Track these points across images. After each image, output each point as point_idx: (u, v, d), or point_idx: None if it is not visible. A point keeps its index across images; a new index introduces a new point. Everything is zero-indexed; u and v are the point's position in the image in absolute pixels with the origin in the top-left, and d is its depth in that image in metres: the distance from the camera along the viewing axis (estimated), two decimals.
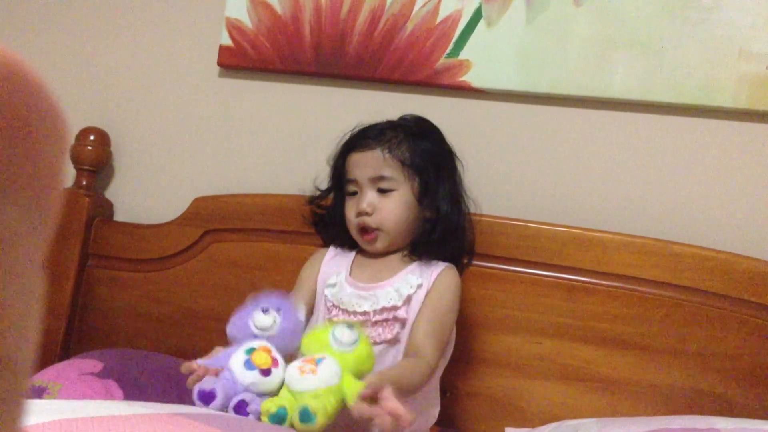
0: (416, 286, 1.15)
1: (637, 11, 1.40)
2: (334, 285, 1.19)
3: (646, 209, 1.40)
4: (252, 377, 0.93)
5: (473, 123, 1.49)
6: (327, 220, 1.30)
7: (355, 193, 1.22)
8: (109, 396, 1.17)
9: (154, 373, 1.28)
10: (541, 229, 1.36)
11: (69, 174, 1.64)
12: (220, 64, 1.63)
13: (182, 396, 1.24)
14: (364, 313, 1.14)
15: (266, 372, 0.94)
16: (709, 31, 1.37)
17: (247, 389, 0.93)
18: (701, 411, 1.23)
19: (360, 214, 1.19)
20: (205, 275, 1.53)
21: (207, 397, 0.92)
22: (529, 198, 1.45)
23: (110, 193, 1.70)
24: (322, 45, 1.56)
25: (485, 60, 1.47)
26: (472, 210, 1.30)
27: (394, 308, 1.13)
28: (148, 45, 1.72)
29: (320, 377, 0.90)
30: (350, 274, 1.21)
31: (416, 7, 1.51)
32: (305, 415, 0.87)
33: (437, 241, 1.20)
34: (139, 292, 1.57)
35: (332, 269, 1.23)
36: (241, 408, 0.92)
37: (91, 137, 1.63)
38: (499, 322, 1.35)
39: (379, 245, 1.20)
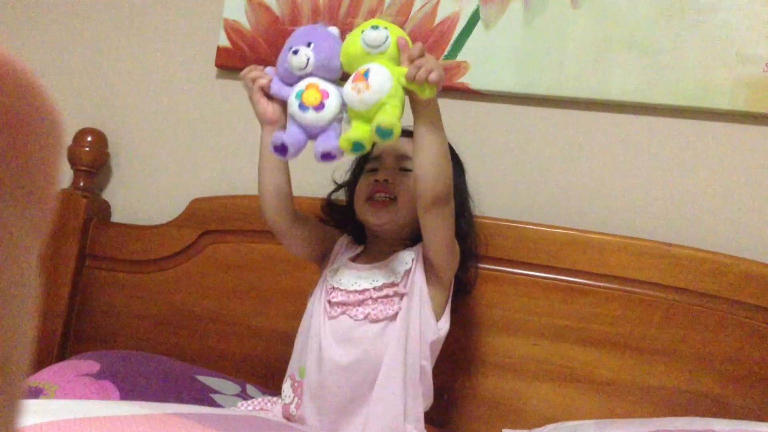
0: (411, 260, 1.15)
1: (635, 13, 1.41)
2: (336, 270, 1.19)
3: (644, 211, 1.41)
4: (309, 116, 0.99)
5: (471, 124, 1.49)
6: (342, 215, 1.30)
7: (373, 171, 1.22)
8: (105, 397, 1.17)
9: (152, 374, 1.27)
10: (538, 230, 1.36)
11: (66, 175, 1.64)
12: (218, 65, 1.63)
13: (179, 397, 1.24)
14: (363, 290, 1.14)
15: (319, 107, 0.99)
16: (706, 33, 1.37)
17: (312, 129, 0.99)
18: (698, 413, 1.23)
19: (377, 181, 1.19)
20: (202, 276, 1.53)
21: (281, 150, 1.01)
22: (527, 200, 1.45)
23: (107, 194, 1.70)
24: None
25: (483, 62, 1.47)
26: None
27: (393, 284, 1.13)
28: (146, 46, 1.72)
29: (375, 89, 0.96)
30: (350, 259, 1.21)
31: (414, 9, 1.51)
32: (382, 133, 0.94)
33: None
34: (137, 293, 1.57)
35: (340, 255, 1.23)
36: (326, 157, 0.99)
37: (89, 138, 1.63)
38: (497, 323, 1.35)
39: (386, 217, 1.18)
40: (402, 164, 1.21)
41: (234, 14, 1.61)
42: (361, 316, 1.12)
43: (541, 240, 1.35)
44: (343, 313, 1.14)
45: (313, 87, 1.00)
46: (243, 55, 1.61)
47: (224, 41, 1.62)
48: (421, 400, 1.14)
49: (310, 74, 1.03)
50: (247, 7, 1.61)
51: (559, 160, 1.46)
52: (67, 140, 1.65)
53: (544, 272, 1.35)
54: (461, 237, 1.22)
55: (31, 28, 1.80)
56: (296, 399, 1.16)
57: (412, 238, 1.22)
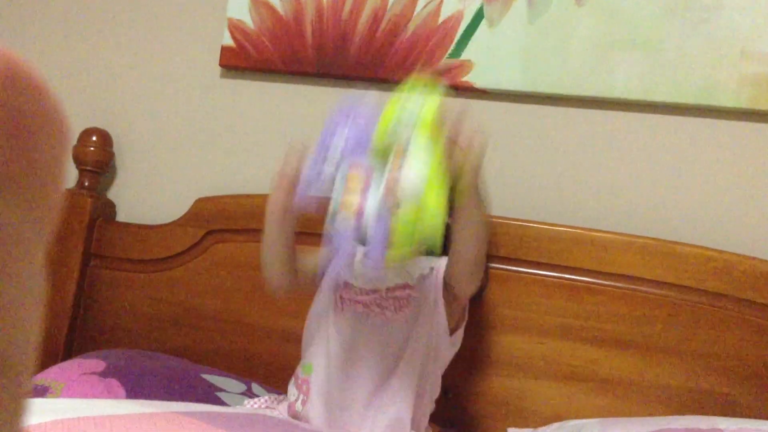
0: (429, 268, 1.15)
1: (639, 11, 1.40)
2: (349, 264, 1.17)
3: (648, 209, 1.40)
4: (349, 225, 0.90)
5: (475, 123, 1.49)
6: None
7: None
8: (111, 395, 1.18)
9: (157, 372, 1.28)
10: (543, 229, 1.36)
11: (71, 174, 1.65)
12: (221, 64, 1.64)
13: (185, 395, 1.24)
14: (375, 291, 1.13)
15: (359, 215, 0.90)
16: (710, 30, 1.37)
17: (354, 236, 0.91)
18: (704, 411, 1.23)
19: None
20: (207, 276, 1.53)
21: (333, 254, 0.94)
22: (532, 198, 1.45)
23: (112, 194, 1.71)
24: (324, 45, 1.56)
25: (487, 60, 1.47)
26: None
27: (407, 286, 1.13)
28: (150, 45, 1.73)
29: (409, 192, 0.87)
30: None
31: (418, 8, 1.51)
32: (425, 242, 0.89)
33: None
34: (142, 292, 1.57)
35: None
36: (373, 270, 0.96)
37: (93, 138, 1.63)
38: (501, 322, 1.35)
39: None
40: None
41: (238, 13, 1.62)
42: (370, 315, 1.12)
43: (546, 238, 1.35)
44: (353, 310, 1.14)
45: (348, 202, 0.91)
46: (247, 54, 1.61)
47: (228, 41, 1.62)
48: (432, 406, 1.14)
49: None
50: (251, 7, 1.61)
51: (563, 158, 1.45)
52: (72, 140, 1.66)
53: (549, 271, 1.35)
54: None
55: (34, 27, 1.80)
56: (301, 396, 1.16)
57: None
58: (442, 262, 1.16)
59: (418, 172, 0.87)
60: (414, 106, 0.91)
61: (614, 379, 1.29)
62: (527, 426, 1.29)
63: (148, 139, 1.70)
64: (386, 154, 0.91)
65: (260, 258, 1.16)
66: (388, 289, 1.13)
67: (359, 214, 0.89)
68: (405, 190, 0.87)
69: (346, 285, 1.16)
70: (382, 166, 0.91)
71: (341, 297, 1.15)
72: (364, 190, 0.90)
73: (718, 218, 1.37)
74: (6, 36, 1.81)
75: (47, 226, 0.25)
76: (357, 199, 0.89)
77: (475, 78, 1.47)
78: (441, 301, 1.13)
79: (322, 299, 1.19)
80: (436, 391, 1.17)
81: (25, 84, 0.23)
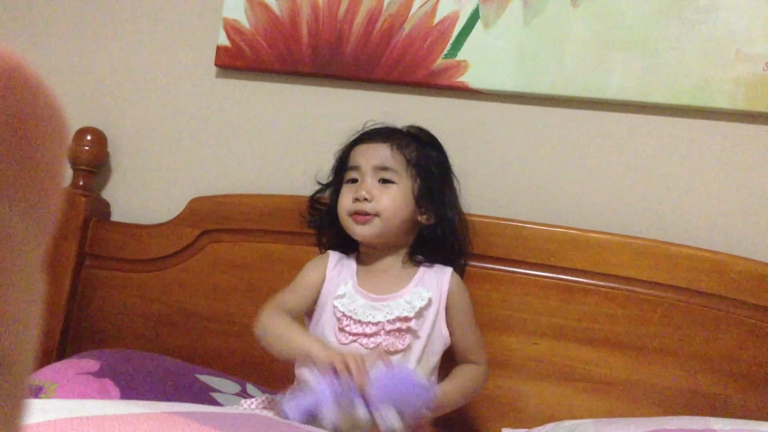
0: (427, 299, 1.17)
1: (635, 12, 1.41)
2: (343, 296, 1.18)
3: (643, 210, 1.41)
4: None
5: (470, 123, 1.50)
6: (325, 217, 1.30)
7: (354, 181, 1.23)
8: (105, 395, 1.17)
9: (151, 372, 1.27)
10: (537, 229, 1.36)
11: (66, 174, 1.64)
12: (217, 64, 1.63)
13: (179, 395, 1.23)
14: (378, 323, 1.15)
15: None
16: (706, 32, 1.37)
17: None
18: (698, 412, 1.24)
19: (357, 200, 1.20)
20: (201, 275, 1.53)
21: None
22: (526, 199, 1.45)
23: (107, 193, 1.70)
24: (320, 45, 1.56)
25: (483, 61, 1.47)
26: (467, 211, 1.32)
27: (407, 319, 1.15)
28: (146, 45, 1.72)
29: None
30: (358, 284, 1.21)
31: (414, 8, 1.51)
32: None
33: (438, 246, 1.23)
34: (136, 292, 1.57)
35: (338, 279, 1.22)
36: None
37: (88, 137, 1.63)
38: (496, 322, 1.35)
39: (370, 231, 1.19)
40: (382, 176, 1.21)
41: (233, 13, 1.61)
42: (371, 345, 1.14)
43: (541, 239, 1.35)
44: (354, 341, 1.15)
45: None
46: (242, 54, 1.61)
47: (224, 40, 1.62)
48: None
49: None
50: (246, 6, 1.61)
51: (558, 159, 1.46)
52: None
53: (544, 271, 1.35)
54: (450, 234, 1.23)
55: (30, 27, 1.80)
56: None
57: (409, 244, 1.24)
58: (441, 290, 1.18)
59: None
60: None
61: (609, 380, 1.30)
62: (522, 426, 1.29)
63: (143, 139, 1.70)
64: None
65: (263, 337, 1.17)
66: (389, 321, 1.14)
67: None
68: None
69: (347, 317, 1.16)
70: None
71: (341, 329, 1.16)
72: None
73: (713, 219, 1.38)
74: (5, 36, 1.80)
75: (46, 226, 0.25)
76: None
77: (470, 78, 1.47)
78: (442, 327, 1.18)
79: (322, 329, 1.19)
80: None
81: (24, 83, 0.23)
